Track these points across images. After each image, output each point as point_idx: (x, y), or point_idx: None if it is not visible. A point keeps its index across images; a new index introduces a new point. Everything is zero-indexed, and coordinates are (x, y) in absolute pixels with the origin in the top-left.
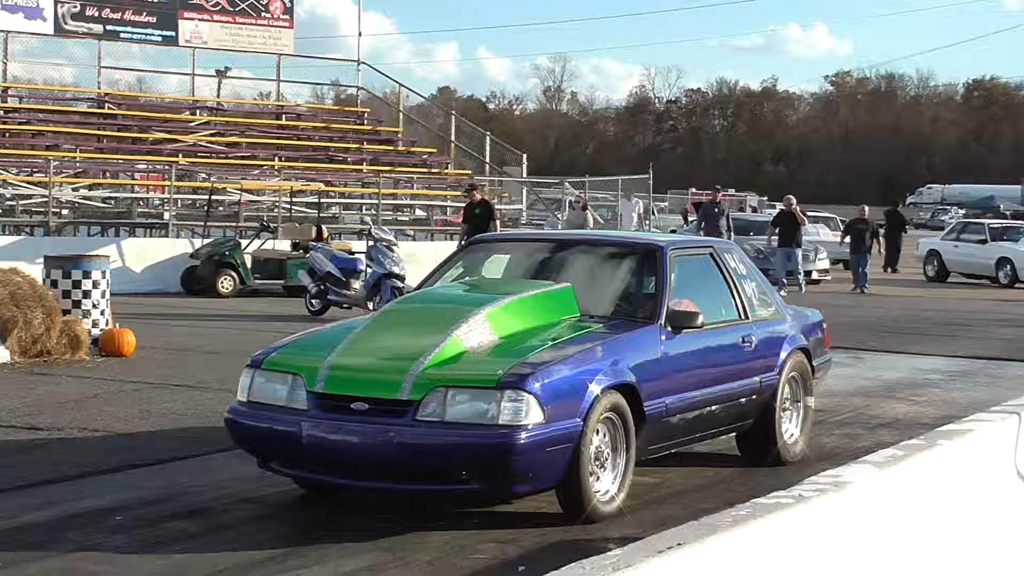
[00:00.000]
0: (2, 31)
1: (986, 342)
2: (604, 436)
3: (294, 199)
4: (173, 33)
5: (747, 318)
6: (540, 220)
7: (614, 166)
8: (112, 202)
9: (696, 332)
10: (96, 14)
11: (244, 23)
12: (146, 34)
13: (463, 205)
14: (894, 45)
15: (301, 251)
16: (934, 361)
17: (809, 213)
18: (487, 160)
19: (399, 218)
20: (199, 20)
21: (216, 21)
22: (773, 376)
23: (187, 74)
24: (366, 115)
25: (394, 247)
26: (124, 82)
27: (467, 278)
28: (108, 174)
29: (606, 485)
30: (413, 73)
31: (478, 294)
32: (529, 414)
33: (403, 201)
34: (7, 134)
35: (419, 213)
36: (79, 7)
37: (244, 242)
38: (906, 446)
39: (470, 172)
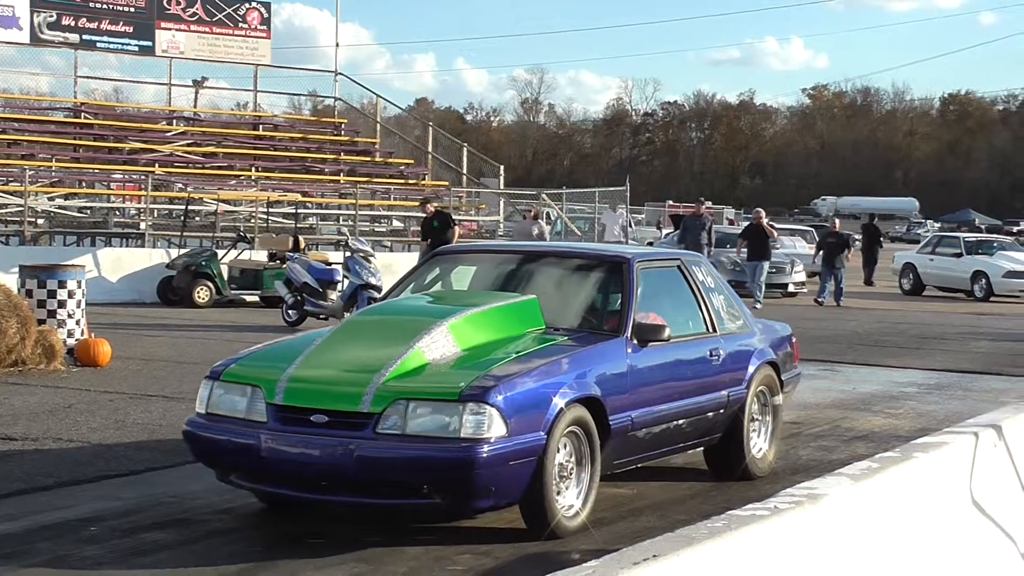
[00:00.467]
0: None
1: (961, 355)
2: (569, 450)
3: (271, 209)
4: (150, 43)
5: (715, 331)
6: (509, 230)
7: (591, 178)
8: (88, 212)
9: (663, 345)
10: (72, 23)
11: (221, 33)
12: (123, 44)
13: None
14: (870, 59)
15: (278, 262)
16: (910, 374)
17: (786, 227)
18: (464, 172)
19: (376, 229)
20: (176, 30)
21: (193, 31)
22: (741, 390)
23: (164, 84)
24: (343, 126)
25: (371, 258)
26: (101, 92)
27: (431, 289)
28: (84, 184)
29: (570, 500)
30: (390, 84)
31: (441, 306)
32: (492, 427)
33: (380, 212)
34: None
35: (396, 224)
36: (55, 16)
37: (220, 252)
38: (881, 459)
39: (447, 183)
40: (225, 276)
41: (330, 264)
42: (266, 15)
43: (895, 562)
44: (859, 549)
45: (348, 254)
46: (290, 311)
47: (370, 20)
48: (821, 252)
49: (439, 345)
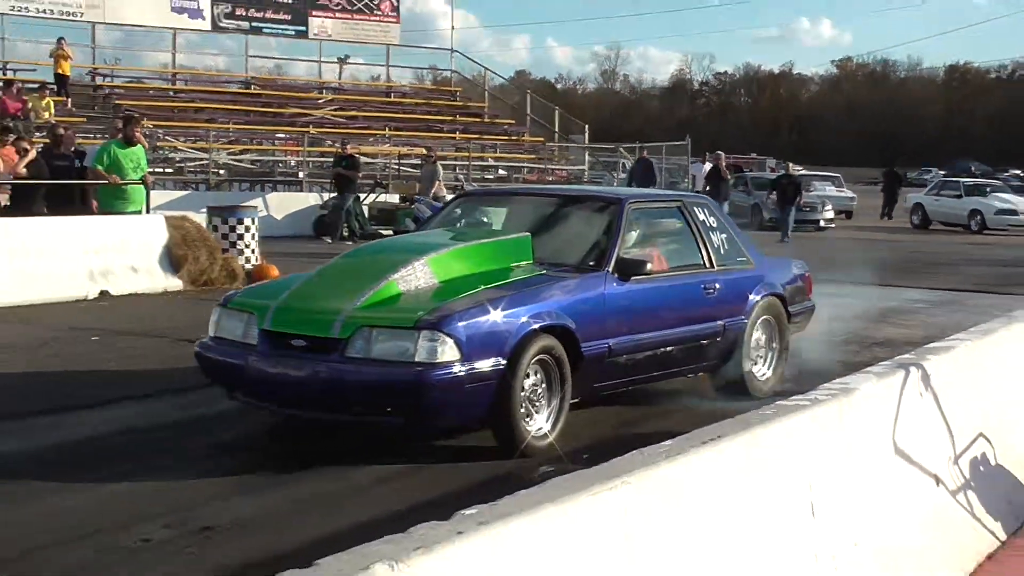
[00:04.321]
0: (171, 28)
1: (961, 277)
2: (539, 376)
3: (401, 161)
4: (304, 28)
5: (712, 267)
6: (598, 178)
7: (658, 135)
8: (258, 164)
9: (648, 280)
10: (244, 13)
11: (360, 19)
12: (282, 29)
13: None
14: (888, 35)
15: (407, 203)
16: (920, 292)
17: (819, 174)
18: (556, 130)
19: (485, 176)
20: (324, 18)
21: (338, 18)
22: (740, 320)
23: (315, 61)
24: (458, 94)
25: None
26: (265, 68)
27: (445, 228)
28: (254, 141)
29: (540, 423)
30: (495, 59)
31: (431, 241)
32: (445, 353)
33: (488, 163)
34: (176, 111)
35: (501, 172)
36: (230, 8)
37: (362, 196)
38: (899, 360)
39: (542, 139)
40: (366, 215)
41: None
42: (396, 3)
43: (909, 434)
44: (882, 430)
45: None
46: None
47: (477, 6)
48: (775, 193)
49: (416, 277)
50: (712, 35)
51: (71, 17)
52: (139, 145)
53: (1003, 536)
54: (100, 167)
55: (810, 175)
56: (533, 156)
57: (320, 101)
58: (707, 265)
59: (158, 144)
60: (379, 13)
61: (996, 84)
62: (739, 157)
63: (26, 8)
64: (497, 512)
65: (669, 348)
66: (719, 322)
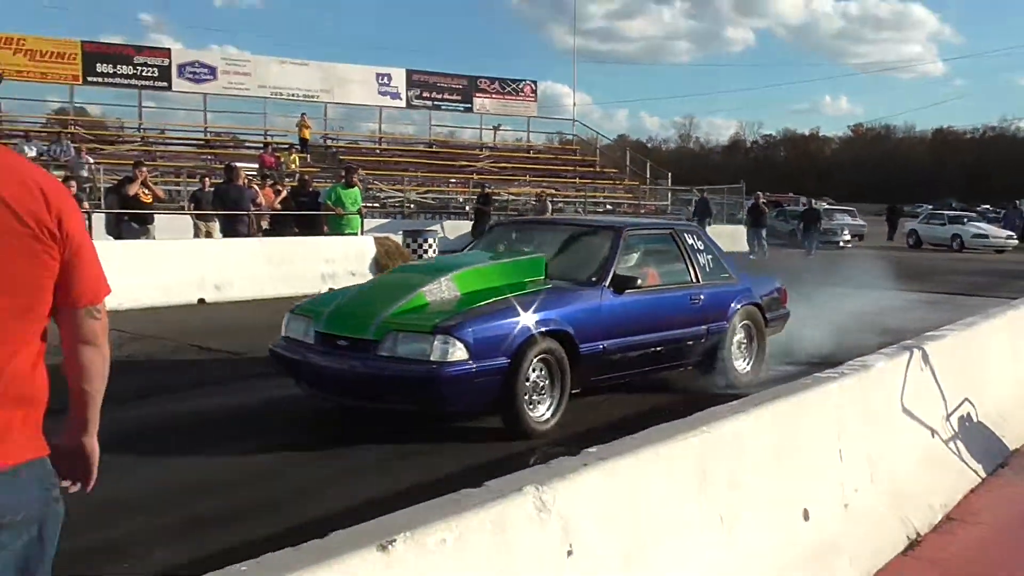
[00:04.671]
0: (378, 106)
1: (947, 283)
2: (542, 372)
3: (537, 199)
4: (470, 105)
5: (698, 282)
6: (677, 212)
7: (720, 180)
8: (437, 200)
9: (640, 292)
10: (428, 95)
11: (509, 99)
12: (455, 106)
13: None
14: (889, 107)
15: None
16: (916, 295)
17: (839, 208)
18: (647, 176)
19: (596, 209)
20: (484, 98)
21: (493, 98)
22: (722, 324)
23: (477, 128)
24: (577, 150)
25: None
26: (442, 133)
27: (480, 250)
28: (435, 184)
29: (542, 411)
30: (603, 126)
31: (462, 261)
32: (455, 354)
33: (598, 200)
34: (381, 163)
35: (608, 207)
36: (419, 91)
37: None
38: (903, 344)
39: (637, 183)
40: None
41: None
42: (534, 88)
43: (912, 398)
44: (892, 395)
45: None
46: None
47: (591, 88)
48: (750, 217)
49: (441, 290)
50: (760, 108)
51: (311, 99)
52: (356, 187)
53: (983, 475)
54: (329, 203)
55: (832, 208)
56: (630, 195)
57: (480, 156)
58: (693, 280)
59: (369, 187)
60: (522, 94)
61: (970, 142)
62: (779, 195)
63: (281, 93)
64: (611, 451)
65: (658, 348)
66: (703, 327)
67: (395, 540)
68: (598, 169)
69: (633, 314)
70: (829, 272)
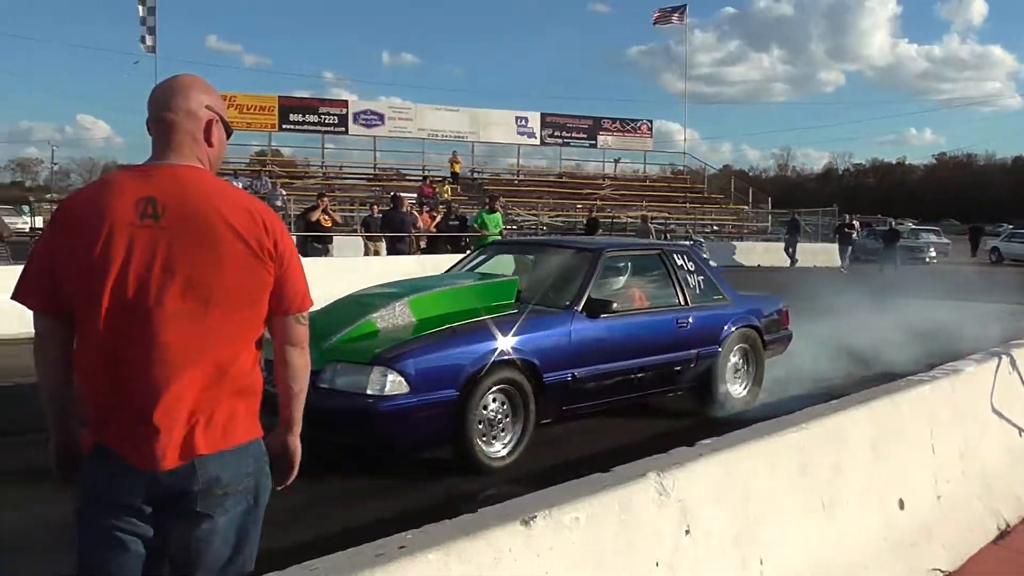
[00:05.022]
0: (516, 143)
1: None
2: (502, 404)
3: (654, 223)
4: (595, 142)
5: (687, 304)
6: (776, 232)
7: (814, 204)
8: (566, 223)
9: (618, 316)
10: (559, 134)
11: (628, 136)
12: (581, 143)
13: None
14: (971, 138)
15: None
16: (998, 306)
17: (924, 228)
18: (749, 201)
19: (704, 231)
20: (607, 135)
21: (615, 135)
22: (714, 348)
23: (600, 161)
24: (688, 179)
25: (702, 245)
26: (570, 165)
27: (462, 271)
28: (564, 210)
29: (497, 447)
30: (710, 157)
31: (426, 284)
32: (393, 387)
33: (706, 221)
34: (519, 192)
35: (715, 228)
36: (551, 131)
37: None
38: (991, 350)
39: (742, 207)
40: None
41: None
42: (650, 126)
43: (1001, 399)
44: (982, 396)
45: (691, 242)
46: None
47: (700, 126)
48: (838, 236)
49: (394, 316)
50: (850, 140)
51: (460, 139)
52: (498, 212)
53: None
54: (476, 226)
55: (918, 228)
56: (735, 217)
57: (603, 185)
58: (682, 303)
59: (508, 212)
60: (640, 132)
61: None
62: (868, 217)
63: (436, 135)
64: (723, 443)
65: (640, 374)
66: (693, 351)
67: (536, 516)
68: (706, 195)
69: (609, 339)
70: (917, 286)
